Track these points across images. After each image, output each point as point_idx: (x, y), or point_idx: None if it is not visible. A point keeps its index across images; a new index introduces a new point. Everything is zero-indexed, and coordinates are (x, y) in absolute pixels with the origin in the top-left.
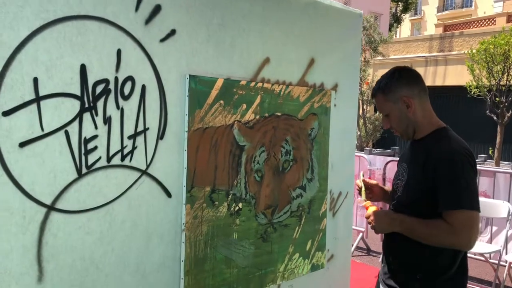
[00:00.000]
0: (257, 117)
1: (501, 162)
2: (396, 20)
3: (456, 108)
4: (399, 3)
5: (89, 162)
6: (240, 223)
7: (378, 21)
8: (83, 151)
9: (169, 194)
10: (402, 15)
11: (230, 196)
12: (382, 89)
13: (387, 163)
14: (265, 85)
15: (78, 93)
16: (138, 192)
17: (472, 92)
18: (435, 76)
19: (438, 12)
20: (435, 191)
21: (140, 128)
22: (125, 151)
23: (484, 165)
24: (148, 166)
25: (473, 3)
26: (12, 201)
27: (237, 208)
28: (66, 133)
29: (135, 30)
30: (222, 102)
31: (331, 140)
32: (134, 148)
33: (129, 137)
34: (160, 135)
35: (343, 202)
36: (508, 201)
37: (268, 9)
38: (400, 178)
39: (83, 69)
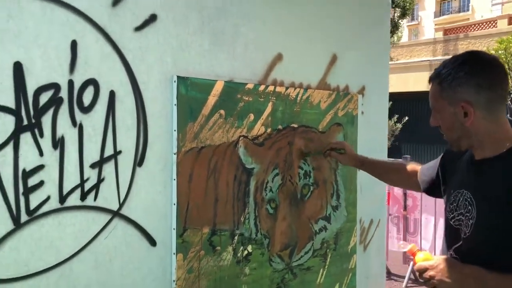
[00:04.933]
0: (268, 130)
1: None
2: (394, 26)
3: None
4: (397, 9)
5: (32, 206)
6: (251, 272)
7: None
8: (21, 190)
9: (152, 242)
10: (400, 21)
11: (236, 238)
12: (441, 81)
13: None
14: (278, 88)
15: (12, 104)
16: (108, 242)
17: None
18: None
19: (435, 17)
20: None
21: (109, 152)
22: (87, 186)
23: None
24: (121, 205)
25: (470, 7)
26: None
27: (245, 252)
28: None
29: (98, 14)
30: (222, 112)
31: None
32: (100, 180)
33: (93, 166)
34: (138, 161)
35: (375, 232)
36: None
37: None
38: (463, 213)
39: (18, 69)
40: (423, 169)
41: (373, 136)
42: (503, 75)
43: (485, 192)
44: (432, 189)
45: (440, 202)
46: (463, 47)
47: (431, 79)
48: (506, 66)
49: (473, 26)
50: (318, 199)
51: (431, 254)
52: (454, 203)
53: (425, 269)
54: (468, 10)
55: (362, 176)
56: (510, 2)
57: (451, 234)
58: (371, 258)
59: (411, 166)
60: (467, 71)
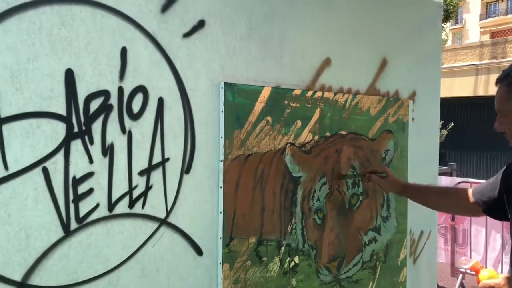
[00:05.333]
0: (316, 137)
1: None
2: None
3: None
4: None
5: (82, 213)
6: (298, 284)
7: None
8: (71, 197)
9: (199, 251)
10: (443, 24)
11: (282, 248)
12: (509, 82)
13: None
14: (326, 94)
15: (63, 111)
16: (156, 251)
17: None
18: (487, 85)
19: (480, 20)
20: None
21: (157, 159)
22: (135, 193)
23: None
24: (168, 213)
25: None
26: None
27: (292, 263)
28: (45, 171)
29: (147, 20)
30: (269, 118)
31: (410, 165)
32: (148, 188)
33: (141, 173)
34: (186, 168)
35: (426, 244)
36: None
37: None
38: None
39: (69, 76)
40: (478, 190)
41: (424, 144)
42: None
43: None
44: (494, 210)
45: None
46: None
47: (498, 81)
48: None
49: None
50: (367, 209)
51: (496, 272)
52: None
53: (489, 287)
54: None
55: None
56: None
57: None
58: (421, 272)
59: (461, 189)
60: None
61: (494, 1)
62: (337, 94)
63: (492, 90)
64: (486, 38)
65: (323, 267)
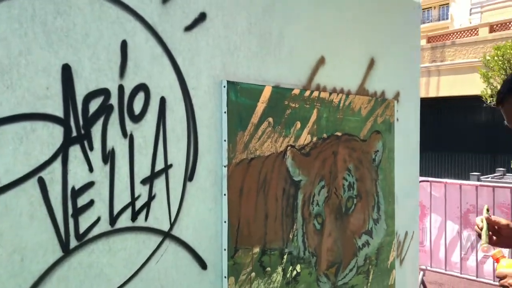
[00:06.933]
0: (314, 139)
1: None
2: None
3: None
4: None
5: (82, 229)
6: None
7: None
8: (70, 211)
9: (203, 265)
10: None
11: (285, 257)
12: None
13: None
14: (322, 94)
15: (60, 113)
16: (160, 267)
17: (488, 102)
18: (428, 87)
19: None
20: None
21: (160, 165)
22: (138, 204)
23: (504, 179)
24: (172, 225)
25: (449, 16)
26: None
27: (294, 272)
28: (41, 182)
29: (148, 11)
30: (271, 120)
31: (395, 165)
32: (151, 198)
33: (143, 182)
34: (189, 175)
35: (410, 244)
36: None
37: None
38: None
39: (66, 73)
40: None
41: (407, 144)
42: None
43: None
44: None
45: None
46: (450, 54)
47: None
48: (504, 73)
49: (455, 33)
50: (361, 212)
51: None
52: None
53: (505, 276)
54: (447, 18)
55: (397, 185)
56: (489, 11)
57: None
58: (406, 273)
59: None
60: None
61: (427, 8)
62: (331, 94)
63: (432, 92)
64: (423, 42)
65: (322, 274)
